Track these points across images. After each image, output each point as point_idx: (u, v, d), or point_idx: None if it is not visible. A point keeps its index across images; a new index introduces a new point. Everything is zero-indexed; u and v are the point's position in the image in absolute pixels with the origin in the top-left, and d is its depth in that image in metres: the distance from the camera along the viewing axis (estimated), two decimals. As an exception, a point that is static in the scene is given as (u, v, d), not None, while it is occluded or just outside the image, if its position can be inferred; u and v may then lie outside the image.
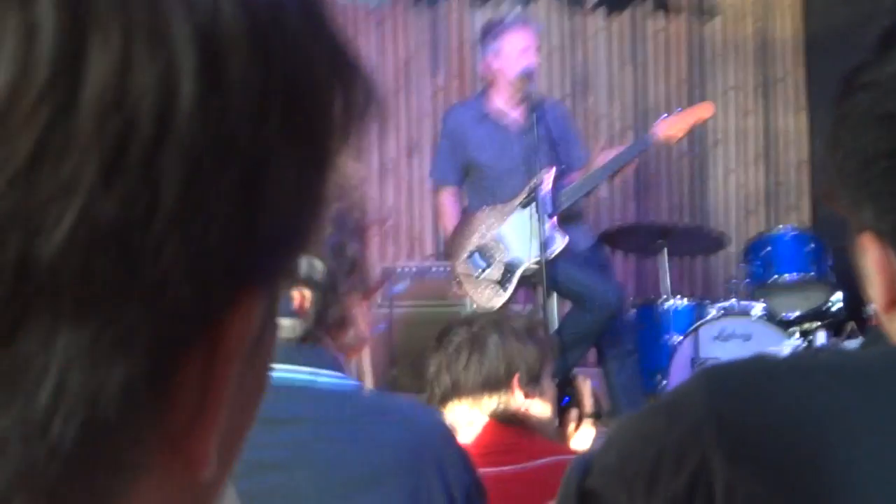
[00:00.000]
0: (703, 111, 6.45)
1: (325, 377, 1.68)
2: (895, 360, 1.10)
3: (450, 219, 6.43)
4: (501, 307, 5.91)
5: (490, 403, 2.99)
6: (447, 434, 1.74)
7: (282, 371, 1.67)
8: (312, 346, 1.70)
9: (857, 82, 1.17)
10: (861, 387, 1.07)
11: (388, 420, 1.70)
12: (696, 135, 8.65)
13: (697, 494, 1.05)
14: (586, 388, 3.25)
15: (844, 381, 1.08)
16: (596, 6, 8.55)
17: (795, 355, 1.14)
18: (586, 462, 1.18)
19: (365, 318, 1.80)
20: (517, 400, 3.00)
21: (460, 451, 1.74)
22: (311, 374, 1.68)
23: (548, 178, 6.05)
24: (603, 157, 6.32)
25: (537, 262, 5.92)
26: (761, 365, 1.12)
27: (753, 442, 1.05)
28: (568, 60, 8.52)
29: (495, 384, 2.99)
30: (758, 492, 1.02)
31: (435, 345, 3.08)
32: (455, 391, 3.00)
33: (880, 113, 1.13)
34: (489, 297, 6.09)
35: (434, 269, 7.26)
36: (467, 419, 2.99)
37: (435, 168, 6.56)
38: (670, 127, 6.29)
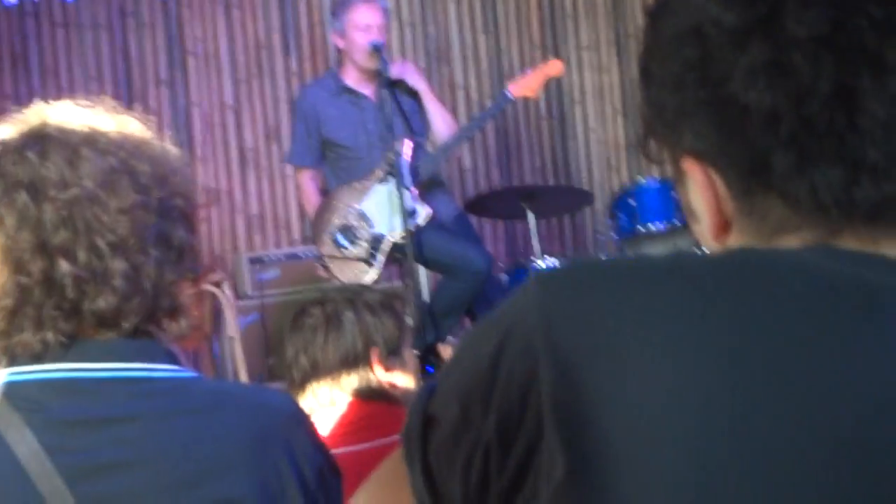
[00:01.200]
0: (552, 68, 6.47)
1: (160, 371, 1.64)
2: (735, 259, 1.08)
3: (311, 201, 6.39)
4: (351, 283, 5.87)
5: (351, 381, 2.96)
6: (294, 416, 1.71)
7: (112, 369, 1.62)
8: (144, 340, 1.65)
9: (659, 13, 1.17)
10: (697, 289, 1.05)
11: (230, 408, 1.66)
12: (555, 95, 8.68)
13: (529, 406, 1.03)
14: (448, 354, 3.23)
15: (681, 283, 1.06)
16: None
17: (633, 258, 1.11)
18: (431, 387, 1.16)
19: (197, 305, 1.76)
20: (378, 375, 2.98)
21: (309, 432, 1.70)
22: (144, 369, 1.63)
23: (405, 150, 6.03)
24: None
25: (403, 236, 5.90)
26: (592, 269, 1.10)
27: (580, 355, 1.03)
28: (421, 33, 8.49)
29: (354, 361, 2.96)
30: (577, 412, 1.01)
31: (290, 327, 3.05)
32: (314, 372, 2.97)
33: (684, 29, 1.13)
34: (357, 275, 6.06)
35: (303, 254, 7.22)
36: (329, 399, 2.96)
37: (292, 151, 6.51)
38: (523, 86, 6.32)
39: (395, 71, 6.32)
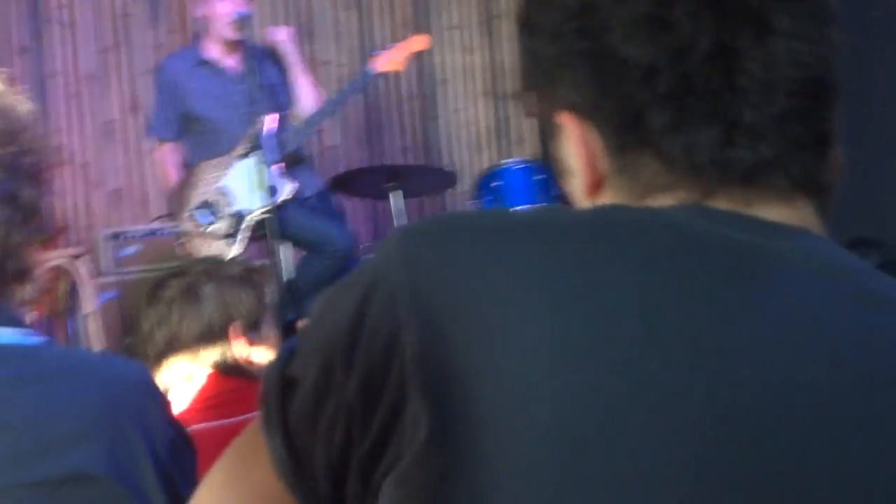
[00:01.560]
0: (416, 43, 6.43)
1: (4, 337, 1.55)
2: (604, 215, 1.04)
3: (169, 175, 6.27)
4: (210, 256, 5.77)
5: (210, 355, 2.88)
6: (146, 387, 1.64)
7: (-46, 333, 1.53)
8: (-12, 303, 1.57)
9: None
10: (564, 245, 1.00)
11: (80, 377, 1.58)
12: (423, 74, 8.65)
13: (393, 363, 0.98)
14: None
15: (548, 239, 1.01)
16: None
17: (499, 212, 1.06)
18: (290, 349, 1.10)
19: (45, 268, 1.67)
20: (237, 349, 2.90)
21: (161, 404, 1.64)
22: (-13, 334, 1.55)
23: (270, 124, 5.93)
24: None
25: (266, 212, 5.81)
26: (458, 222, 1.05)
27: (444, 311, 0.98)
28: (291, 6, 8.39)
29: (213, 335, 2.88)
30: (439, 369, 0.96)
31: (146, 300, 2.96)
32: (171, 347, 2.89)
33: None
34: (219, 251, 5.96)
35: (162, 231, 7.09)
36: (186, 374, 2.88)
37: (150, 124, 6.38)
38: (388, 61, 6.27)
39: (271, 36, 6.22)
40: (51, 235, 1.68)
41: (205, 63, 6.18)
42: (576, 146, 1.12)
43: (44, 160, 1.68)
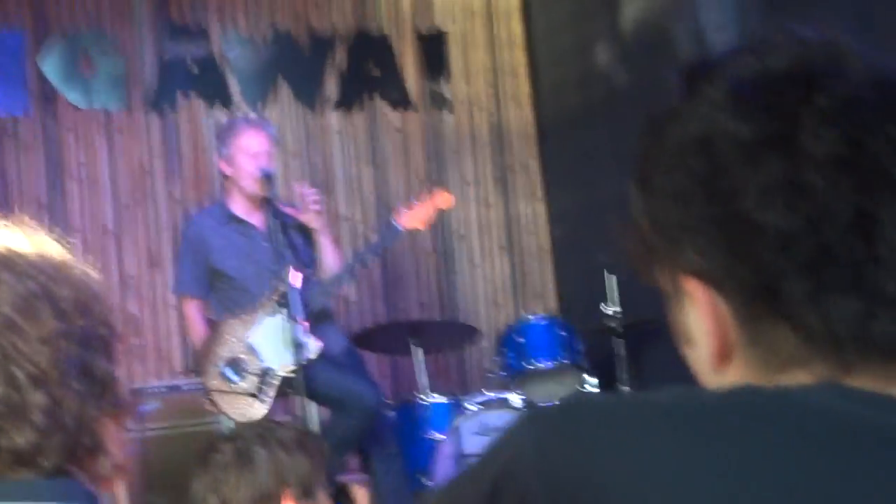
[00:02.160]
0: (441, 200, 6.45)
1: (78, 514, 1.51)
2: (742, 399, 1.00)
3: (197, 332, 6.23)
4: (262, 419, 5.71)
5: None
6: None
7: (30, 512, 1.48)
8: (63, 480, 1.52)
9: (663, 120, 1.10)
10: (703, 432, 0.97)
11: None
12: (440, 230, 8.66)
13: None
14: (361, 496, 3.12)
15: (687, 427, 0.98)
16: (333, 107, 8.51)
17: (630, 397, 1.03)
18: None
19: (119, 443, 1.63)
20: None
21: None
22: (62, 512, 1.50)
23: (295, 281, 5.92)
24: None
25: (292, 370, 5.76)
26: (590, 409, 1.02)
27: (579, 495, 0.95)
28: (306, 162, 8.44)
29: (266, 501, 2.83)
30: None
31: (198, 464, 2.90)
32: None
33: (692, 139, 1.06)
34: (246, 410, 5.91)
35: (185, 386, 7.04)
36: None
37: (178, 280, 6.36)
38: (412, 218, 6.28)
39: (294, 210, 6.22)
40: (124, 409, 1.64)
41: (231, 220, 6.19)
42: (702, 314, 1.07)
43: (115, 331, 1.65)
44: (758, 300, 1.04)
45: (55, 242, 1.68)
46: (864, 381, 1.02)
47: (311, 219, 6.17)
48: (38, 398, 1.49)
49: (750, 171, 1.03)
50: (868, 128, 1.02)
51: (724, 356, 1.08)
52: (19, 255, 1.59)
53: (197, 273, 6.21)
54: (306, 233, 6.22)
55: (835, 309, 1.01)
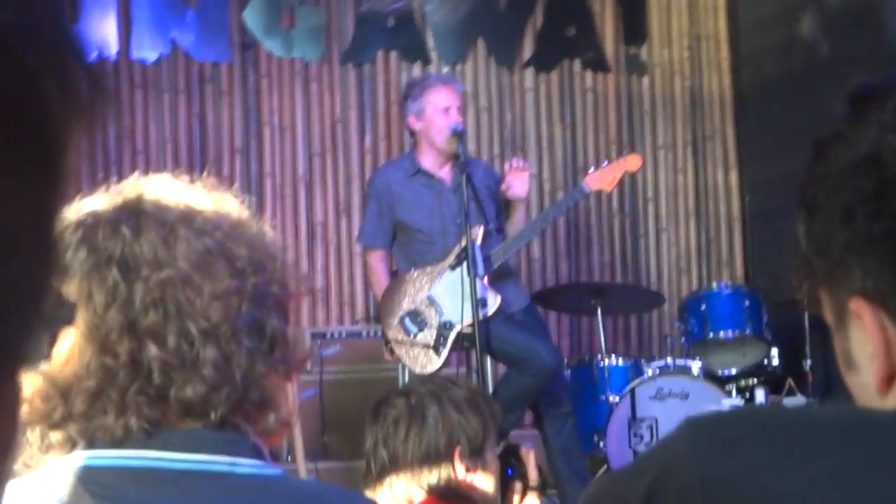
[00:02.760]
0: (631, 164, 6.43)
1: (244, 467, 1.55)
2: None
3: (380, 282, 6.31)
4: (438, 374, 5.77)
5: (430, 478, 2.87)
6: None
7: (196, 461, 1.53)
8: (230, 432, 1.57)
9: (830, 142, 1.08)
10: (868, 455, 0.96)
11: (313, 510, 1.57)
12: (628, 192, 8.62)
13: None
14: (531, 459, 3.13)
15: (851, 447, 0.97)
16: (526, 65, 8.51)
17: (794, 412, 1.02)
18: None
19: (287, 399, 1.67)
20: (459, 474, 2.89)
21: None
22: (229, 463, 1.55)
23: (478, 237, 5.95)
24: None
25: (471, 325, 5.80)
26: (754, 420, 1.02)
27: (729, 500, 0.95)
28: (497, 120, 8.47)
29: (435, 458, 2.87)
30: None
31: (371, 417, 2.96)
32: (393, 466, 2.89)
33: (859, 159, 1.04)
34: (423, 361, 5.97)
35: (365, 332, 7.16)
36: (406, 495, 2.87)
37: (363, 231, 6.44)
38: (600, 179, 6.26)
39: (505, 186, 6.20)
40: (294, 366, 1.68)
41: (419, 173, 6.24)
42: (870, 336, 1.05)
43: (288, 290, 1.69)
44: None
45: (234, 200, 1.72)
46: None
47: (517, 187, 6.16)
48: (209, 352, 1.54)
49: None
50: None
51: (890, 379, 1.05)
52: (198, 213, 1.63)
53: (382, 224, 6.28)
54: (493, 191, 6.24)
55: None
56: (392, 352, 6.12)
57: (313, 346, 7.01)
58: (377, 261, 6.36)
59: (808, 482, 0.95)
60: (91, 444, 1.55)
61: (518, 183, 6.11)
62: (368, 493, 2.86)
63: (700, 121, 8.87)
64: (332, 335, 7.15)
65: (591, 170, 6.45)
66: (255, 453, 1.59)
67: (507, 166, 6.26)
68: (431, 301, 6.06)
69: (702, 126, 8.87)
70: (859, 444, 0.97)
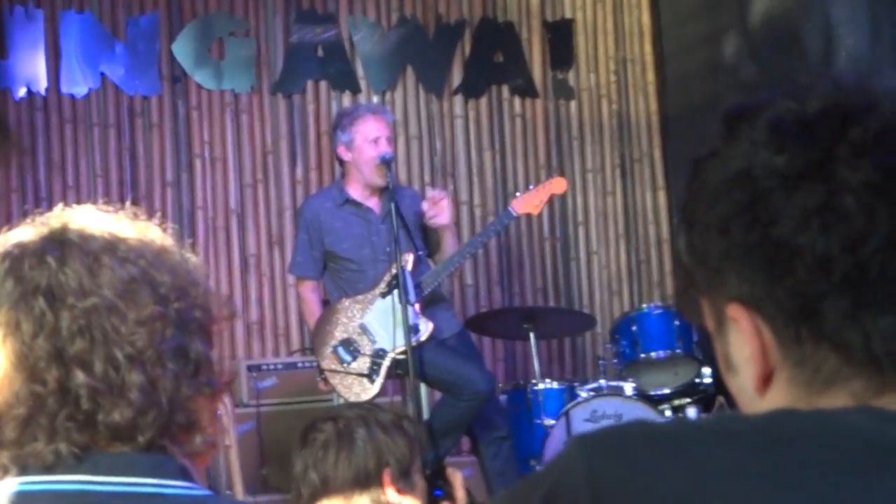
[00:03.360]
0: (556, 186, 6.50)
1: (172, 488, 1.59)
2: (783, 421, 1.06)
3: (312, 312, 6.35)
4: (369, 400, 5.81)
5: (362, 501, 2.91)
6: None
7: (125, 483, 1.57)
8: (158, 455, 1.61)
9: (706, 160, 1.16)
10: (747, 452, 1.03)
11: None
12: (559, 216, 8.70)
13: None
14: (458, 479, 3.18)
15: (729, 447, 1.04)
16: (455, 92, 8.58)
17: (676, 421, 1.09)
18: None
19: (213, 421, 1.71)
20: (390, 497, 2.93)
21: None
22: (157, 485, 1.58)
23: (408, 264, 6.00)
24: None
25: (404, 352, 5.84)
26: (638, 431, 1.08)
27: None
28: (427, 147, 8.53)
29: (366, 480, 2.92)
30: None
31: (300, 442, 3.00)
32: (324, 489, 2.93)
33: (732, 174, 1.12)
34: (358, 390, 6.01)
35: (301, 364, 7.17)
36: None
37: (294, 262, 6.48)
38: (527, 203, 6.34)
39: (428, 217, 6.25)
40: (219, 389, 1.72)
41: (347, 203, 6.28)
42: (747, 338, 1.12)
43: (211, 315, 1.73)
44: (799, 321, 1.09)
45: (156, 228, 1.76)
46: None
47: (439, 217, 6.22)
48: (135, 377, 1.58)
49: (788, 199, 1.08)
50: None
51: (765, 380, 1.12)
52: (122, 241, 1.67)
53: (313, 255, 6.32)
54: (421, 217, 6.29)
55: (872, 327, 1.06)
56: (326, 381, 6.15)
57: (249, 378, 7.02)
58: (309, 291, 6.40)
59: (684, 480, 1.01)
60: (23, 471, 1.58)
61: (439, 212, 6.18)
62: None
63: (628, 144, 8.96)
64: (267, 367, 7.16)
65: (518, 194, 6.53)
66: (183, 475, 1.63)
67: (424, 202, 6.31)
68: (364, 329, 6.09)
69: (629, 149, 8.96)
70: (728, 444, 1.04)
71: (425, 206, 6.24)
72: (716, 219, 1.12)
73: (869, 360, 1.07)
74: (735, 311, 1.12)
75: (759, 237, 1.09)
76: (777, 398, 1.12)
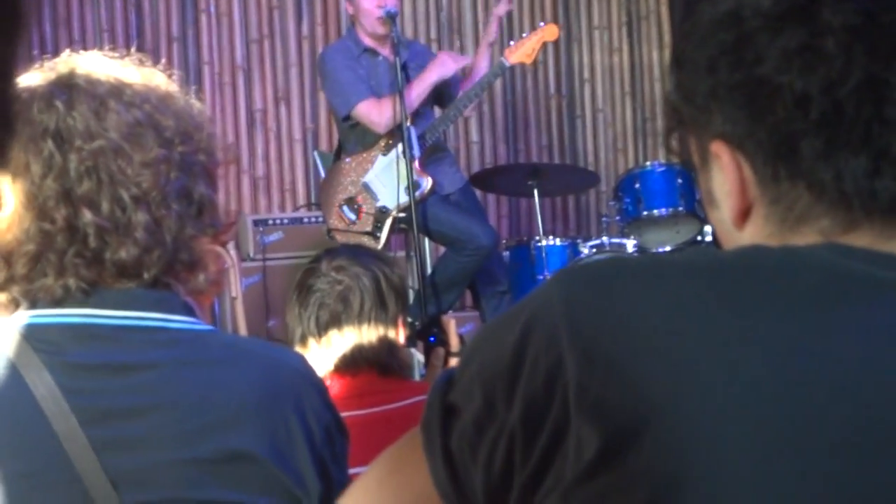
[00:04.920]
0: (548, 33, 6.46)
1: (176, 322, 1.66)
2: (751, 255, 1.12)
3: (384, 109, 6.15)
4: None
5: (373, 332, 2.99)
6: (306, 374, 1.73)
7: (131, 317, 1.64)
8: (162, 291, 1.68)
9: (699, 1, 1.21)
10: (715, 284, 1.08)
11: (245, 363, 1.68)
12: (565, 74, 8.68)
13: (555, 394, 1.06)
14: (451, 326, 3.25)
15: (698, 279, 1.09)
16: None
17: (649, 256, 1.15)
18: (449, 377, 1.18)
19: (215, 261, 1.78)
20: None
21: (320, 390, 1.73)
22: (162, 319, 1.65)
23: (412, 118, 5.98)
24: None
25: (408, 208, 5.89)
26: (614, 265, 1.13)
27: (605, 345, 1.06)
28: (433, 4, 8.48)
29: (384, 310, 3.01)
30: (607, 396, 1.04)
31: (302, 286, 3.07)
32: (335, 323, 3.00)
33: (721, 14, 1.16)
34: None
35: (307, 219, 7.23)
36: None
37: (352, 92, 6.21)
38: (519, 52, 6.29)
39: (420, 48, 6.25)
40: (222, 229, 1.78)
41: (366, 52, 6.26)
42: (727, 174, 1.17)
43: (215, 158, 1.79)
44: (777, 159, 1.14)
45: (162, 74, 1.81)
46: (866, 240, 1.12)
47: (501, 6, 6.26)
48: (140, 217, 1.64)
49: (772, 39, 1.12)
50: (882, 3, 1.12)
51: (743, 215, 1.18)
52: (128, 86, 1.73)
53: (360, 76, 6.24)
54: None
55: (844, 166, 1.11)
56: (333, 240, 6.21)
57: (255, 233, 7.08)
58: (376, 104, 6.19)
59: (655, 310, 1.07)
60: (33, 304, 1.66)
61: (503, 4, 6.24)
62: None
63: (635, 2, 8.91)
64: (273, 222, 7.22)
65: (511, 43, 6.50)
66: (187, 310, 1.70)
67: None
68: (366, 188, 6.13)
69: (636, 6, 8.91)
70: (698, 277, 1.09)
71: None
72: (703, 58, 1.17)
73: (840, 199, 1.12)
74: (718, 148, 1.17)
75: (743, 76, 1.14)
76: (753, 233, 1.18)
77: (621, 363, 1.05)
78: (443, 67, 6.14)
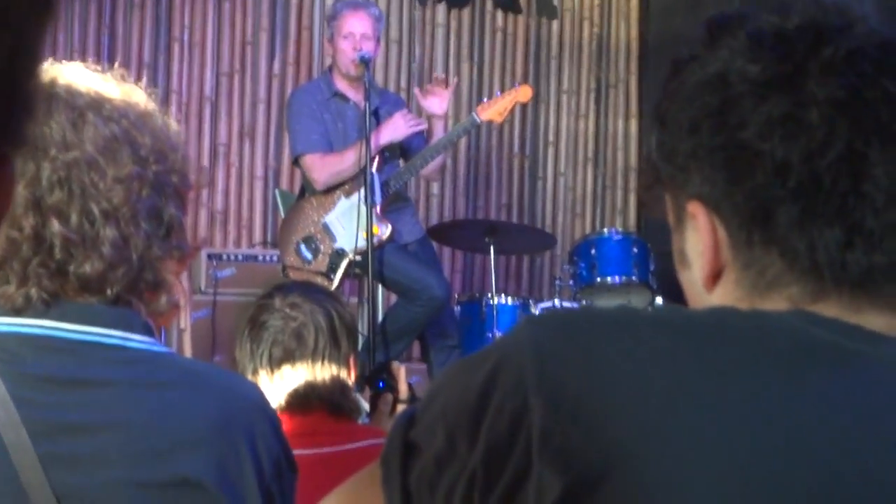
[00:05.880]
0: (522, 94, 6.49)
1: (135, 342, 1.65)
2: (722, 316, 1.12)
3: (343, 159, 6.18)
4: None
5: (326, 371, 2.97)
6: (260, 404, 1.72)
7: (90, 333, 1.62)
8: (124, 309, 1.66)
9: (686, 62, 1.22)
10: (685, 341, 1.09)
11: (200, 388, 1.67)
12: (530, 134, 8.72)
13: (519, 438, 1.06)
14: (401, 373, 3.25)
15: (669, 334, 1.10)
16: (438, 0, 8.56)
17: (621, 308, 1.16)
18: (411, 415, 1.18)
19: (178, 284, 1.77)
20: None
21: (273, 422, 1.71)
22: (121, 337, 1.64)
23: (377, 164, 6.00)
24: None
25: (363, 252, 5.89)
26: (587, 313, 1.16)
27: (572, 392, 1.06)
28: (406, 54, 8.52)
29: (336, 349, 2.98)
30: (571, 442, 1.04)
31: (254, 322, 3.04)
32: (288, 359, 2.97)
33: (709, 76, 1.17)
34: (319, 287, 6.04)
35: (261, 257, 7.21)
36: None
37: (308, 140, 6.27)
38: (492, 109, 6.31)
39: (423, 94, 6.30)
40: (187, 253, 1.77)
41: (336, 96, 6.28)
42: (702, 235, 1.18)
43: (187, 181, 1.78)
44: (752, 224, 1.15)
45: (142, 92, 1.80)
46: (834, 310, 1.13)
47: (432, 103, 6.26)
48: (108, 232, 1.63)
49: (756, 105, 1.14)
50: (867, 79, 1.13)
51: (714, 277, 1.19)
52: (107, 100, 1.72)
53: (321, 130, 6.25)
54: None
55: (818, 236, 1.12)
56: (287, 278, 6.19)
57: (209, 266, 7.05)
58: (322, 159, 6.24)
59: (623, 361, 1.07)
60: (-7, 312, 1.64)
61: (436, 99, 6.21)
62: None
63: (605, 68, 8.98)
64: (228, 257, 7.19)
65: (484, 100, 6.53)
66: (147, 331, 1.68)
67: (433, 81, 6.35)
68: (325, 228, 6.12)
69: (606, 74, 8.98)
70: (667, 332, 1.10)
71: (430, 86, 6.29)
72: (687, 118, 1.18)
73: (811, 268, 1.13)
74: (695, 208, 1.19)
75: (724, 139, 1.15)
76: (723, 296, 1.19)
77: (587, 411, 1.05)
78: (395, 131, 6.16)
